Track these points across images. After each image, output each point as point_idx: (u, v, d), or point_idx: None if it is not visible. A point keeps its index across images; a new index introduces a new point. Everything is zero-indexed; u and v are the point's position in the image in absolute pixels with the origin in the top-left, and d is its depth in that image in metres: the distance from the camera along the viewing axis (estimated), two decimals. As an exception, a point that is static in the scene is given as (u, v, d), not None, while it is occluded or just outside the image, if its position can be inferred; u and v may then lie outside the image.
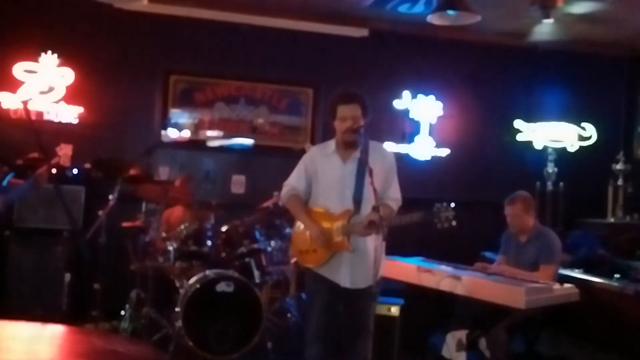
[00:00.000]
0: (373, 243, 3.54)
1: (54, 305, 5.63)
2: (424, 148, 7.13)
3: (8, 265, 5.68)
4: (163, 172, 6.52)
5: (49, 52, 6.29)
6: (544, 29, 6.46)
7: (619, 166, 6.86)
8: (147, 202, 5.63)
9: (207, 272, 5.09)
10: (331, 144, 3.93)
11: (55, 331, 2.96)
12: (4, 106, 6.20)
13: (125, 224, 5.62)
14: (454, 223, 3.54)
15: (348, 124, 3.75)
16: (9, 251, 5.71)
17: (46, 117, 6.28)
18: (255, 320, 4.97)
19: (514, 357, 4.88)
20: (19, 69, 6.24)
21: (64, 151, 4.43)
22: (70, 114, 6.37)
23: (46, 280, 5.72)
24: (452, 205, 3.55)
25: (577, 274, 5.23)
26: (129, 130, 6.56)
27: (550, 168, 6.99)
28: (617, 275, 4.98)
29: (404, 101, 7.07)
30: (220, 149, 6.88)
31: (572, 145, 7.35)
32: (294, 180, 3.99)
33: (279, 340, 5.32)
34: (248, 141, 6.89)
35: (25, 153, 5.44)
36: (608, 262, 5.29)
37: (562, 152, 7.23)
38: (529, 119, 7.32)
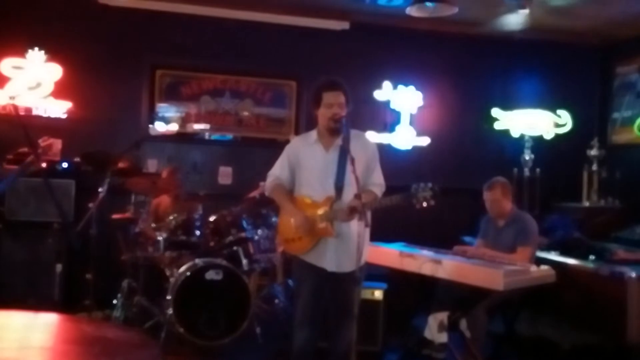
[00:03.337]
0: (356, 228, 3.53)
1: (46, 296, 5.72)
2: (404, 137, 7.23)
3: (0, 258, 5.74)
4: (151, 165, 6.61)
5: (36, 48, 6.34)
6: (520, 20, 6.58)
7: (593, 152, 6.99)
8: (136, 194, 5.72)
9: (197, 260, 5.19)
10: (313, 134, 3.96)
11: (47, 319, 3.03)
12: (-8, 102, 6.24)
13: (115, 216, 5.71)
14: (432, 202, 3.50)
15: (335, 110, 3.77)
16: (1, 244, 5.78)
17: (35, 112, 6.34)
18: (243, 306, 5.09)
19: (493, 337, 5.00)
20: (6, 65, 6.30)
21: (47, 143, 4.45)
22: (58, 109, 6.42)
23: (38, 272, 5.80)
24: (430, 185, 3.52)
25: (553, 256, 5.31)
26: (117, 124, 6.60)
27: (527, 155, 7.08)
28: (592, 257, 5.09)
29: (384, 92, 7.16)
30: (207, 141, 6.96)
31: (548, 132, 7.43)
32: (278, 170, 4.01)
33: (267, 326, 5.44)
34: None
35: (14, 148, 5.49)
36: (583, 245, 5.38)
37: (538, 140, 7.32)
38: (505, 107, 7.42)
